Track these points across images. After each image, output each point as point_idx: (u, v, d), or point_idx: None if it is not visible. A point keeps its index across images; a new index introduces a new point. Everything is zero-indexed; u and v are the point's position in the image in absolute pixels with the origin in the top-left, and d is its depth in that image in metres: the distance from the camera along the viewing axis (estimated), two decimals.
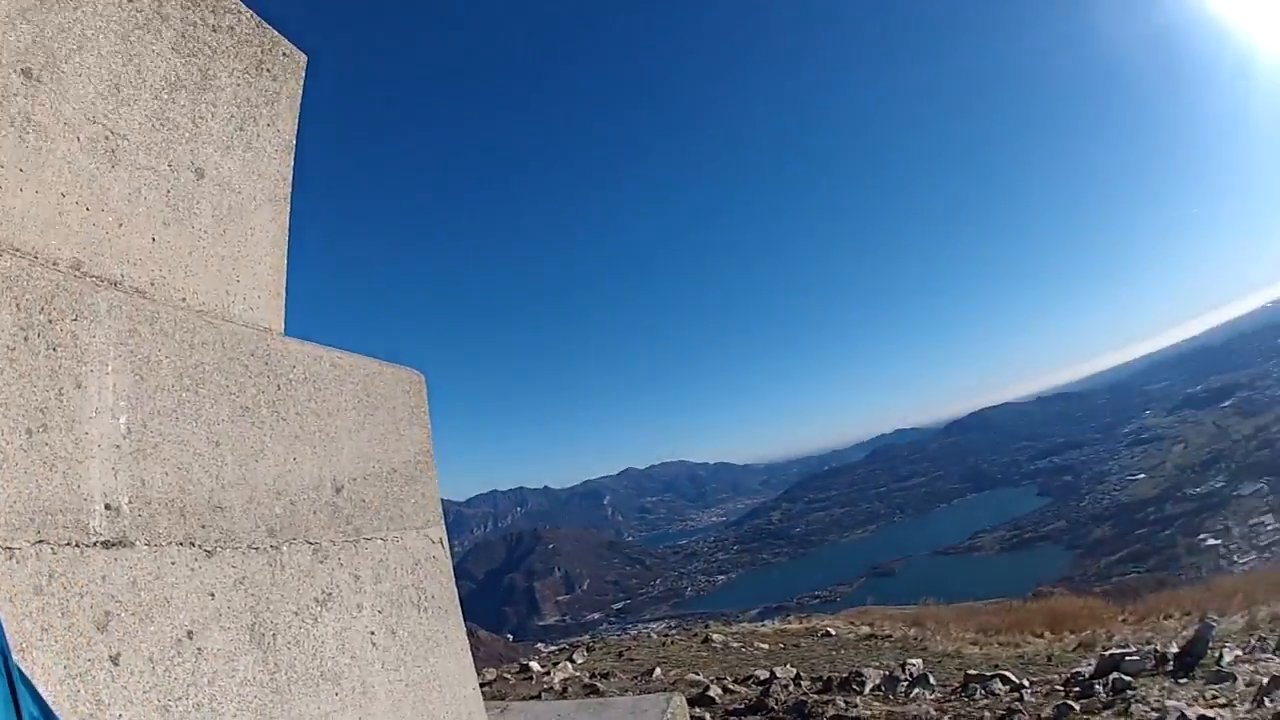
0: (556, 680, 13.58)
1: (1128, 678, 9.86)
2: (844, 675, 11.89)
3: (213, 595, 2.85)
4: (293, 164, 4.08)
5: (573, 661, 16.18)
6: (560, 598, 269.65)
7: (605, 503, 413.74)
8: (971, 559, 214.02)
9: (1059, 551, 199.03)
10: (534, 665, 15.46)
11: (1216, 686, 9.40)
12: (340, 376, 3.81)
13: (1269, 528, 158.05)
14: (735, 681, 12.59)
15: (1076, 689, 10.07)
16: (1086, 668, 11.22)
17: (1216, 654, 10.50)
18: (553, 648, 25.11)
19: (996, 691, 10.61)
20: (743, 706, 10.69)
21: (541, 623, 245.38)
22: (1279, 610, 14.87)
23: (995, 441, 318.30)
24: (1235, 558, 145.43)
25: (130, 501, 2.63)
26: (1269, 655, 10.68)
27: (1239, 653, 10.80)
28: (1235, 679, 9.33)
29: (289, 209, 4.05)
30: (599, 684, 13.04)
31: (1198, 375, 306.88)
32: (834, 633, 20.58)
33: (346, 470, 3.72)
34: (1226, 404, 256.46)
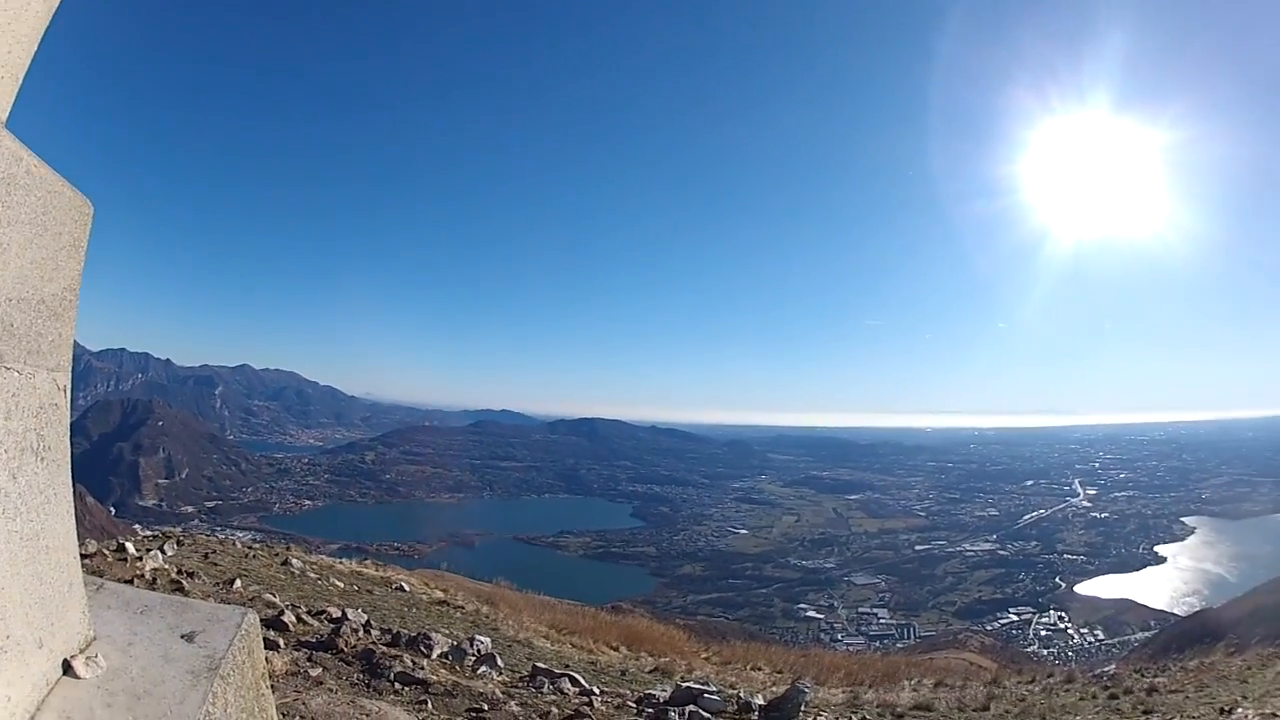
0: (148, 568, 13.34)
1: (706, 714, 10.26)
2: (413, 634, 12.01)
3: None
4: None
5: (163, 552, 16.08)
6: (161, 481, 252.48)
7: (217, 393, 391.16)
8: (554, 555, 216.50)
9: (644, 575, 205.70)
10: (130, 547, 15.24)
11: None
12: (30, 186, 3.45)
13: (881, 620, 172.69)
14: (309, 613, 12.54)
15: (650, 711, 10.40)
16: (661, 692, 11.65)
17: (810, 718, 11.26)
18: (148, 533, 24.66)
19: (565, 690, 10.91)
20: (314, 641, 10.60)
21: (141, 503, 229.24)
22: (888, 697, 16.23)
23: (598, 453, 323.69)
24: (839, 636, 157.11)
25: None
26: None
27: None
28: None
29: None
30: (184, 582, 12.80)
31: (828, 462, 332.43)
32: (408, 589, 21.03)
33: (4, 289, 3.36)
34: (854, 497, 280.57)
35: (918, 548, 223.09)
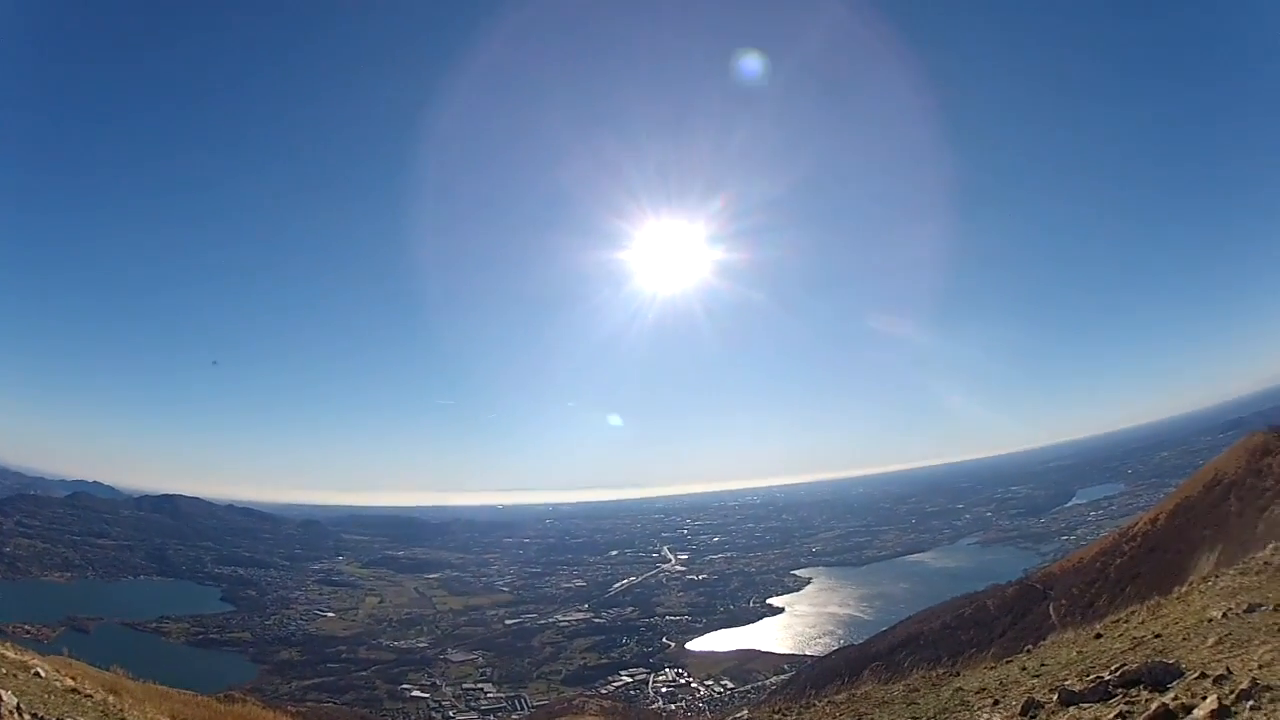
0: None
1: None
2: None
3: None
4: None
5: None
6: None
7: None
8: (159, 641, 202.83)
9: (244, 661, 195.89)
10: None
11: None
12: None
13: (489, 694, 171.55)
14: None
15: None
16: None
17: None
18: None
19: None
20: None
21: None
22: None
23: (183, 532, 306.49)
24: (451, 714, 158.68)
25: None
26: None
27: None
28: None
29: None
30: None
31: (403, 542, 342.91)
32: (44, 675, 21.25)
33: None
34: (433, 576, 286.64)
35: (508, 622, 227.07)
